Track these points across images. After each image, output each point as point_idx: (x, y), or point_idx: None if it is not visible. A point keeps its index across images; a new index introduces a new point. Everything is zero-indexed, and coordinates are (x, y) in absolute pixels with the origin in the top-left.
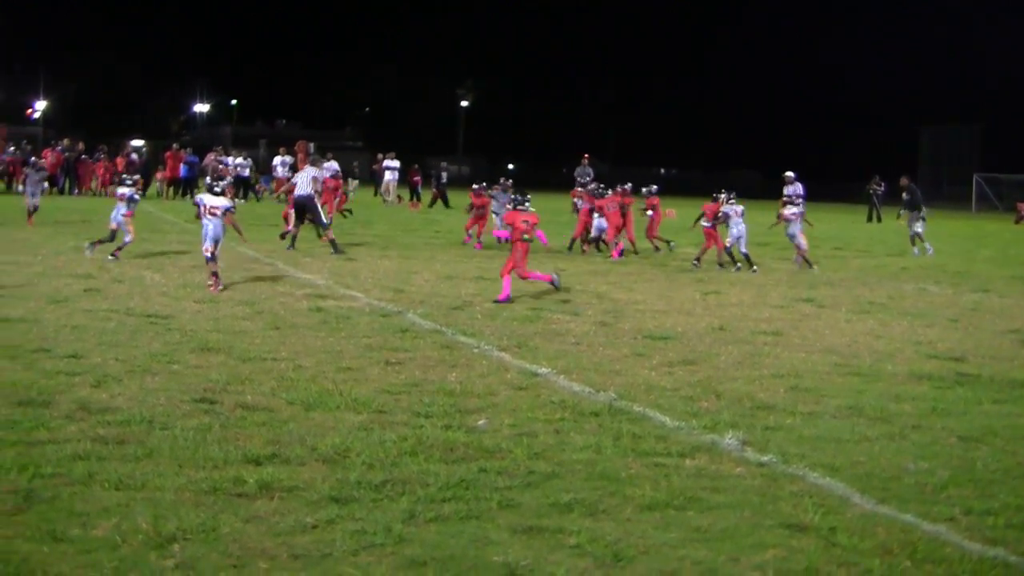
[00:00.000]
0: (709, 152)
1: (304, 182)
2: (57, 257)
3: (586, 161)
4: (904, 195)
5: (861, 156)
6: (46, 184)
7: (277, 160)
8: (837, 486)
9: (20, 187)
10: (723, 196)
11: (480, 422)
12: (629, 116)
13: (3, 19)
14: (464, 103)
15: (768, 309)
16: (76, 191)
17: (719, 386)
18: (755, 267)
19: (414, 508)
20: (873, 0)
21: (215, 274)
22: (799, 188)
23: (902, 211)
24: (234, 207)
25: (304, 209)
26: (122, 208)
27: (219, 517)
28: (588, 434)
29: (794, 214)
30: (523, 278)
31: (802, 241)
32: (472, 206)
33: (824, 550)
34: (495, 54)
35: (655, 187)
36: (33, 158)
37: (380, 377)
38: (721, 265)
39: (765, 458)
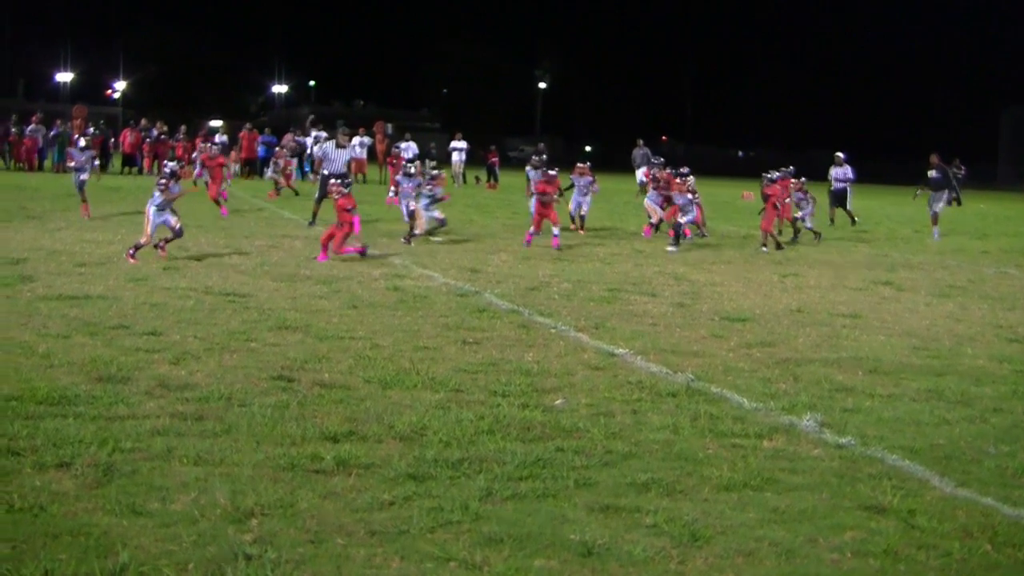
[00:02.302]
0: (788, 133)
1: (341, 161)
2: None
3: (641, 143)
4: (932, 173)
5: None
6: (96, 161)
7: (356, 140)
8: (916, 469)
9: (70, 164)
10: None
11: (557, 402)
12: (706, 98)
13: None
14: (541, 84)
15: (846, 292)
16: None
17: (797, 368)
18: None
19: (491, 486)
20: None
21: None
22: (848, 171)
23: (920, 190)
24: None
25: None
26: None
27: (296, 493)
28: (665, 414)
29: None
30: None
31: (809, 223)
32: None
33: (903, 532)
34: (572, 36)
35: (776, 174)
36: (78, 136)
37: (457, 356)
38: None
39: (843, 440)
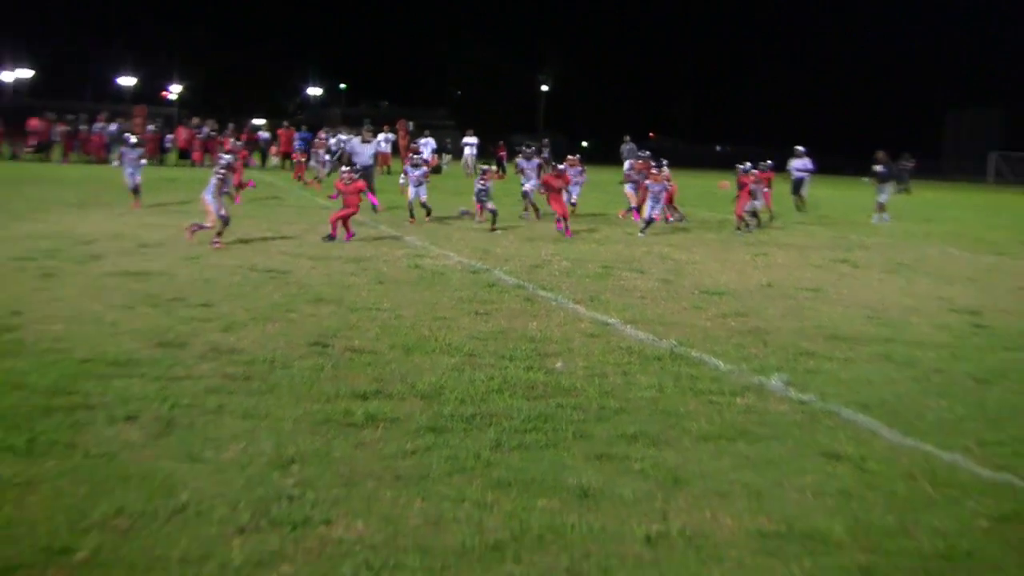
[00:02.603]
0: (759, 130)
1: (366, 155)
2: (189, 218)
3: (628, 139)
4: (879, 168)
5: (893, 136)
6: (143, 161)
7: (381, 136)
8: (868, 421)
9: (115, 162)
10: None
11: (558, 364)
12: (688, 99)
13: (141, 14)
14: (544, 88)
15: (810, 269)
16: (207, 164)
17: (766, 335)
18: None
19: (500, 437)
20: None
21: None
22: (807, 162)
23: (868, 179)
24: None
25: (363, 178)
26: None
27: (332, 443)
28: (652, 375)
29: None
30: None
31: (758, 204)
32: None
33: (856, 476)
34: (572, 44)
35: (749, 165)
36: (127, 134)
37: (470, 325)
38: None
39: (806, 397)
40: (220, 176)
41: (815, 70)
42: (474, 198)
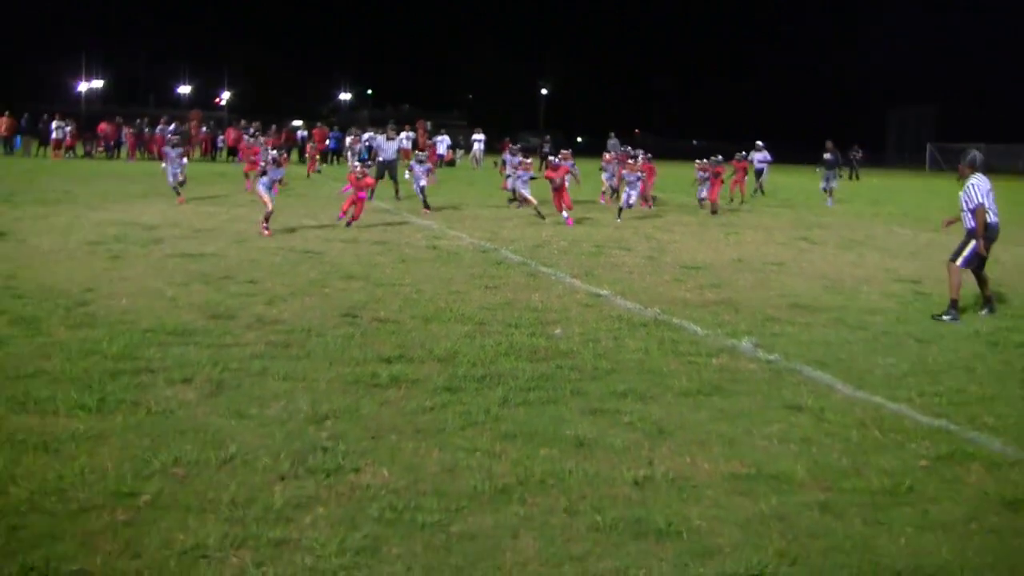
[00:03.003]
0: (730, 125)
1: (391, 150)
2: (238, 208)
3: (612, 135)
4: (827, 156)
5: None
6: (185, 160)
7: (403, 135)
8: (825, 377)
9: (163, 164)
10: (705, 161)
11: (557, 331)
12: (671, 98)
13: (197, 31)
14: (544, 91)
15: (774, 246)
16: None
17: (738, 304)
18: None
19: (507, 395)
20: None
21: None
22: (766, 154)
23: (819, 168)
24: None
25: (387, 169)
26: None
27: (360, 401)
28: (639, 340)
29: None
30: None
31: (637, 196)
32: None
33: (815, 424)
34: (570, 52)
35: (719, 157)
36: (169, 134)
37: (481, 298)
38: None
39: (772, 357)
40: (262, 167)
41: (776, 73)
42: (519, 188)
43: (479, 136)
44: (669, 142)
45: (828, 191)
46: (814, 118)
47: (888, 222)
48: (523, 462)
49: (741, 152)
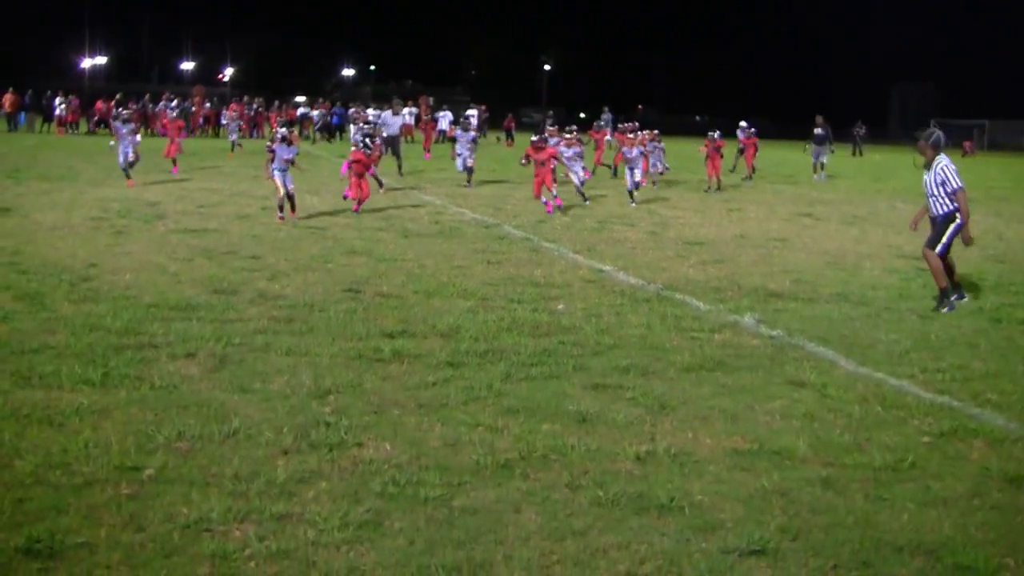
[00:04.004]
0: (734, 102)
1: (396, 125)
2: (240, 184)
3: (607, 109)
4: (817, 131)
5: (849, 106)
6: (138, 137)
7: (405, 110)
8: (828, 353)
9: (111, 143)
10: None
11: (559, 307)
12: (675, 74)
13: (201, 6)
14: (546, 67)
15: (777, 222)
16: (259, 135)
17: (740, 279)
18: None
19: (509, 370)
20: None
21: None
22: (753, 132)
23: (808, 144)
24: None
25: (390, 145)
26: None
27: (363, 376)
28: (641, 315)
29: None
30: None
31: (641, 174)
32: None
33: (818, 400)
34: (570, 28)
35: (717, 132)
36: (120, 109)
37: (483, 273)
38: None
39: (774, 333)
40: (283, 139)
41: (783, 50)
42: (570, 168)
43: (472, 112)
44: (672, 117)
45: (819, 166)
46: (818, 94)
47: (891, 198)
48: (525, 437)
49: (750, 128)
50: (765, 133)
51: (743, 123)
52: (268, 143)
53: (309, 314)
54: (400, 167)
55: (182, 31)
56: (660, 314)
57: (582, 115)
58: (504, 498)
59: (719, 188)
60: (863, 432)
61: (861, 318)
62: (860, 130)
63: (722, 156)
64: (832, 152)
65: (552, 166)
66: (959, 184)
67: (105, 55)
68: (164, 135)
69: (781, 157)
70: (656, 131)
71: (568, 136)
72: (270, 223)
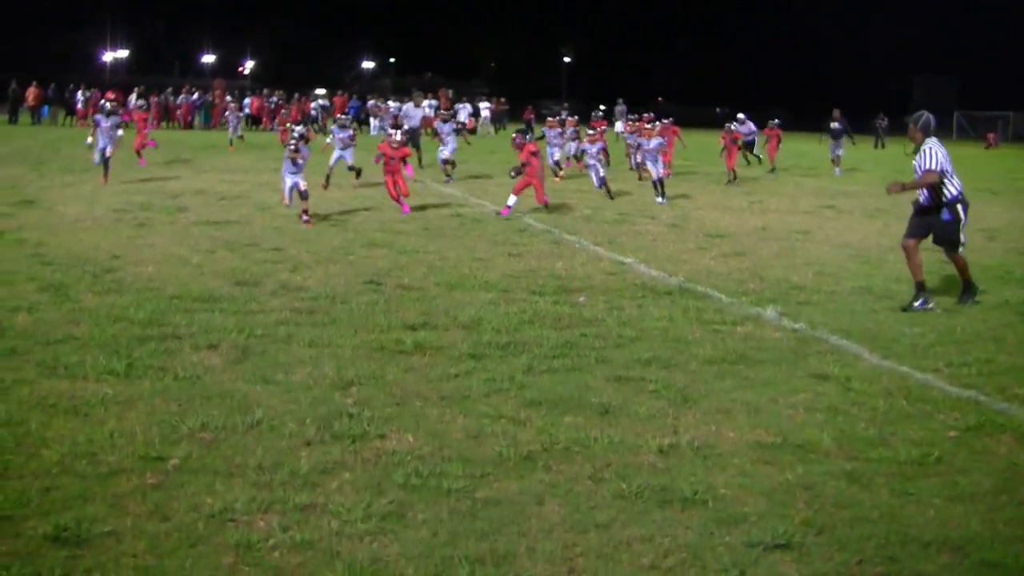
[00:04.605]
0: (754, 94)
1: (417, 118)
2: (260, 175)
3: (621, 101)
4: (834, 124)
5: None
6: (120, 131)
7: (425, 103)
8: (851, 346)
9: (88, 140)
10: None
11: (581, 299)
12: (694, 65)
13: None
14: (566, 59)
15: (799, 214)
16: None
17: (762, 272)
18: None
19: (531, 363)
20: None
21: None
22: (751, 126)
23: (823, 136)
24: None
25: (411, 137)
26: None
27: (385, 368)
28: (663, 308)
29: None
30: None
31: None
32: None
33: (842, 393)
34: (590, 19)
35: (734, 125)
36: (103, 101)
37: (505, 265)
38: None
39: (797, 326)
40: (292, 148)
41: (804, 41)
42: (647, 161)
43: (486, 104)
44: (693, 109)
45: (837, 159)
46: (840, 85)
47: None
48: (548, 429)
49: (773, 120)
50: (786, 125)
51: (740, 115)
52: (290, 143)
53: (331, 306)
54: (420, 159)
55: (203, 24)
56: (682, 307)
57: (602, 107)
58: (527, 490)
59: (735, 179)
60: (888, 426)
61: (885, 311)
62: (882, 122)
63: (739, 148)
64: (853, 144)
65: (537, 164)
66: (931, 166)
67: (126, 48)
68: (185, 128)
69: (802, 149)
70: (576, 118)
71: (562, 119)
72: (291, 214)
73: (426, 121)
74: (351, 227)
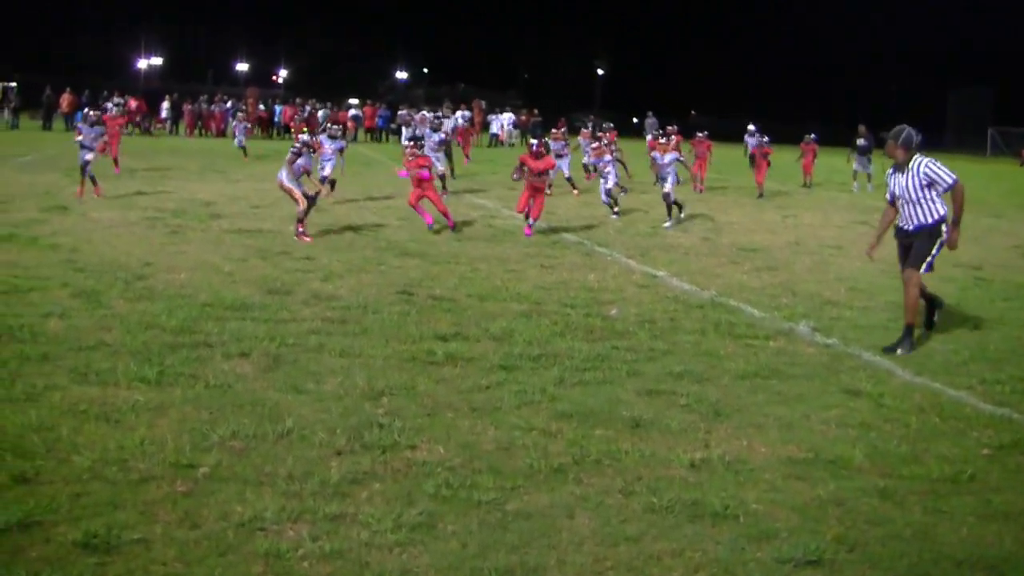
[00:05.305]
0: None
1: (448, 128)
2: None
3: (651, 114)
4: (860, 141)
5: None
6: (105, 136)
7: (458, 114)
8: (884, 362)
9: (77, 138)
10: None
11: (613, 311)
12: (726, 78)
13: (255, 8)
14: (600, 71)
15: (832, 229)
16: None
17: (795, 286)
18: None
19: (563, 375)
20: None
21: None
22: (760, 139)
23: (852, 155)
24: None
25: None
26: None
27: (416, 378)
28: (695, 321)
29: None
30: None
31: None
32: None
33: (874, 410)
34: (624, 31)
35: (767, 138)
36: (87, 109)
37: (536, 277)
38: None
39: (830, 341)
40: (293, 152)
41: (837, 54)
42: (665, 179)
43: (509, 116)
44: (724, 122)
45: (865, 175)
46: (874, 99)
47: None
48: (579, 442)
49: (810, 135)
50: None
51: (751, 127)
52: (293, 147)
53: (362, 315)
54: (452, 171)
55: (237, 32)
56: (714, 320)
57: (635, 120)
58: (558, 503)
59: (761, 195)
60: (921, 443)
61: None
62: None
63: (769, 163)
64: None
65: (548, 179)
66: (955, 177)
67: (160, 55)
68: (218, 136)
69: (835, 164)
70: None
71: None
72: (322, 223)
73: (459, 132)
74: (383, 237)
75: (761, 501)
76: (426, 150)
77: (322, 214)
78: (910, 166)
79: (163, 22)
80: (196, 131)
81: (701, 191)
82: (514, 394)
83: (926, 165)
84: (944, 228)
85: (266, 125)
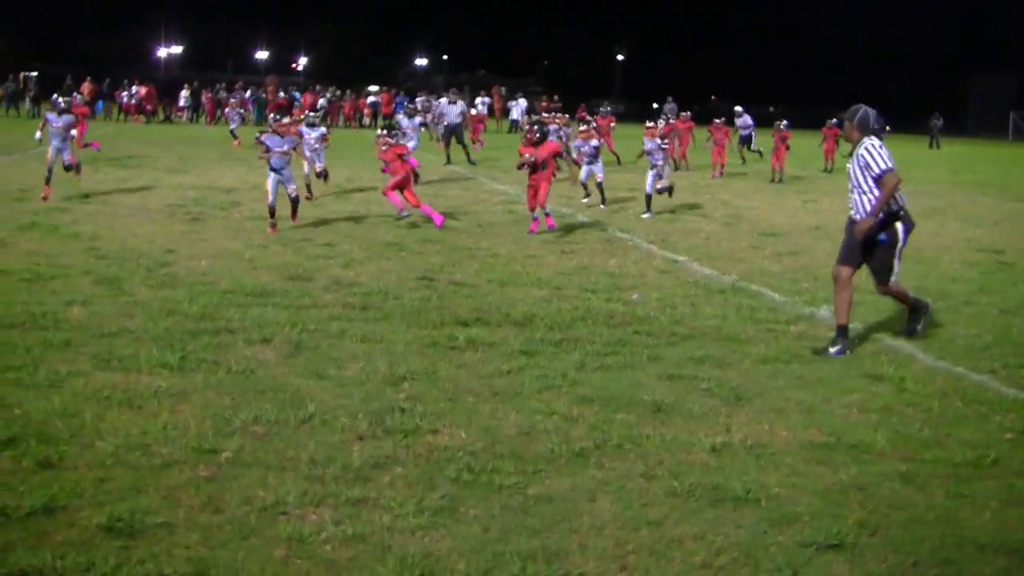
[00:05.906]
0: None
1: (455, 114)
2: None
3: (670, 99)
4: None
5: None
6: (73, 132)
7: (478, 100)
8: (906, 346)
9: (37, 135)
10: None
11: (634, 296)
12: (747, 63)
13: None
14: (620, 57)
15: None
16: (333, 124)
17: (816, 271)
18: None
19: (584, 359)
20: None
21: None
22: (748, 119)
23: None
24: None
25: (453, 133)
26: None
27: (438, 364)
28: (716, 306)
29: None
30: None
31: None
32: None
33: (896, 394)
34: (644, 17)
35: (785, 122)
36: (56, 97)
37: (557, 262)
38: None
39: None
40: (260, 142)
41: (857, 39)
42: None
43: (522, 101)
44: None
45: None
46: (896, 84)
47: (970, 191)
48: (600, 426)
49: (831, 120)
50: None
51: (738, 108)
52: (258, 135)
53: (384, 301)
54: (468, 156)
55: (256, 20)
56: (735, 305)
57: (655, 105)
58: (579, 487)
59: (781, 180)
60: (943, 427)
61: (940, 312)
62: (938, 122)
63: (788, 147)
64: (933, 145)
65: (553, 168)
66: (888, 165)
67: (180, 44)
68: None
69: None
70: (566, 115)
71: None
72: (342, 210)
73: (477, 118)
74: (403, 223)
75: (782, 485)
76: (404, 136)
77: (342, 201)
78: (861, 149)
79: (183, 11)
80: (216, 119)
81: (721, 176)
82: (535, 379)
83: (866, 147)
84: (899, 228)
85: (286, 112)
